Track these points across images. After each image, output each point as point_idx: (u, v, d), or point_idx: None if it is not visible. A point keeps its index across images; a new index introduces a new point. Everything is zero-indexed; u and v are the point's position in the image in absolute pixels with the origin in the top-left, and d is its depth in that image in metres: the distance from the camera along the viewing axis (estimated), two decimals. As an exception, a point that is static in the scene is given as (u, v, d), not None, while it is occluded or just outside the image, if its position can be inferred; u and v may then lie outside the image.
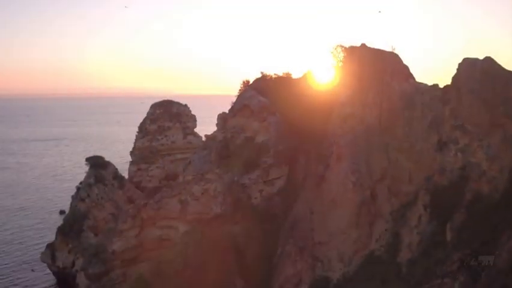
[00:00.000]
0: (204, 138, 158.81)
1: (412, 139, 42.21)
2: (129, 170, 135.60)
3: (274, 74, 55.26)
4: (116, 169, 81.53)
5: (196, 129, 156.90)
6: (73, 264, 64.89)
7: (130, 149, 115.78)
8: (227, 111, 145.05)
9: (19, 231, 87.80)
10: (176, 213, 55.51)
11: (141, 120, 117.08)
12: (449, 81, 40.23)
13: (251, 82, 55.88)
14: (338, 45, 48.57)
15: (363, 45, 45.75)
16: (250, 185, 46.37)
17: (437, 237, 37.12)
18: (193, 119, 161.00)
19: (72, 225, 66.56)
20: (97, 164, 76.20)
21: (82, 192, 70.14)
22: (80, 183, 75.70)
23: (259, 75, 55.35)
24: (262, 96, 51.21)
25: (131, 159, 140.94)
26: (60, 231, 67.39)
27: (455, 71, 39.04)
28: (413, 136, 42.25)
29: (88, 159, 77.91)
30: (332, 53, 49.88)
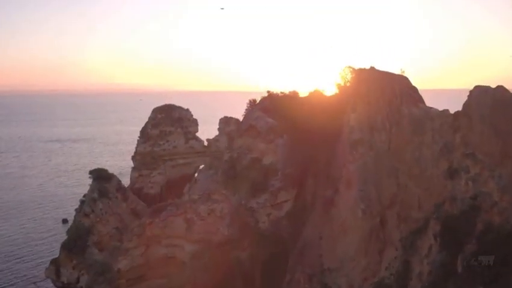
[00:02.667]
0: (205, 143, 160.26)
1: (422, 165, 42.41)
2: (131, 176, 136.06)
3: (281, 93, 55.40)
4: (120, 181, 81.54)
5: (197, 128, 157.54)
6: (78, 280, 65.06)
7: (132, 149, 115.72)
8: (227, 116, 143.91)
9: (22, 242, 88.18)
10: (182, 232, 55.92)
11: (141, 119, 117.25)
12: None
13: (258, 101, 55.94)
14: (346, 67, 48.76)
15: (372, 68, 45.87)
16: (258, 209, 46.65)
17: (448, 267, 37.37)
18: (195, 123, 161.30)
19: (76, 241, 66.67)
20: (100, 177, 76.11)
21: (85, 207, 70.15)
22: (84, 196, 75.77)
23: (266, 94, 55.43)
24: (269, 116, 51.33)
25: (133, 165, 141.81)
26: (64, 247, 67.52)
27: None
28: (423, 162, 42.44)
29: (91, 172, 77.83)
30: (340, 74, 50.11)
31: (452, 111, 42.08)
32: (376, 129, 43.67)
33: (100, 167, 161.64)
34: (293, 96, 55.03)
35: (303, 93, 55.09)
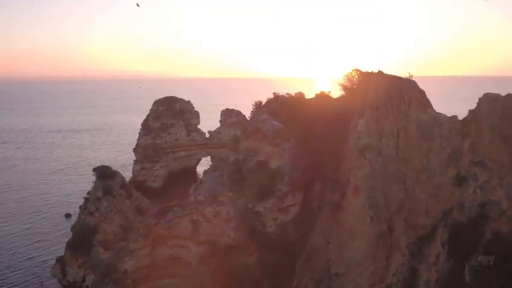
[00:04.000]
0: (207, 135, 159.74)
1: (430, 171, 42.46)
2: (133, 169, 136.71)
3: (287, 94, 55.12)
4: (123, 178, 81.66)
5: (198, 120, 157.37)
6: (84, 279, 65.59)
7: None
8: (229, 109, 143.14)
9: (26, 238, 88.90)
10: (187, 233, 56.34)
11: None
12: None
13: (263, 103, 55.74)
14: (353, 70, 48.44)
15: (380, 72, 45.67)
16: (265, 213, 46.82)
17: (455, 276, 37.66)
18: (196, 115, 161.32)
19: (81, 240, 67.03)
20: (104, 174, 76.22)
21: (90, 206, 70.42)
22: (88, 193, 75.92)
23: (272, 96, 55.19)
24: (275, 119, 51.21)
25: (134, 157, 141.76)
26: (70, 246, 67.90)
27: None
28: (430, 168, 42.48)
29: (95, 170, 77.94)
30: (346, 75, 49.81)
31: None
32: (384, 135, 43.67)
33: (102, 159, 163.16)
34: (299, 98, 54.83)
35: (306, 92, 55.05)
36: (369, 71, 47.45)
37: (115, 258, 62.03)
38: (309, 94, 54.82)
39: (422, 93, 46.06)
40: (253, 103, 56.94)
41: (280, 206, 46.96)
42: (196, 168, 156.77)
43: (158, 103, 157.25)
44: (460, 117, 42.25)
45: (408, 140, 43.89)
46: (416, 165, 43.33)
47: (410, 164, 43.63)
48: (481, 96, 40.53)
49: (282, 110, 52.53)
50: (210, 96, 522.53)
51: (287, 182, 47.12)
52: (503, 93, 38.84)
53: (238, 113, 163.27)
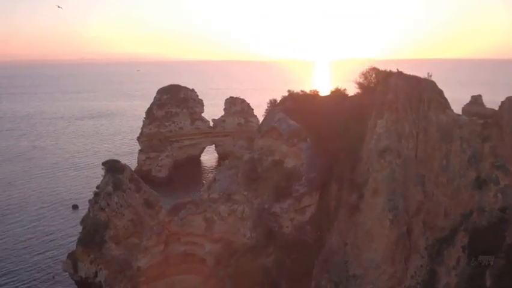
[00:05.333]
0: (211, 123, 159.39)
1: (450, 174, 42.50)
2: (138, 158, 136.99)
3: (301, 91, 54.69)
4: (132, 171, 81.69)
5: (202, 108, 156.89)
6: (96, 274, 65.96)
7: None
8: (233, 97, 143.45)
9: (36, 231, 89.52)
10: (201, 230, 56.46)
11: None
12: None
13: (278, 101, 55.34)
14: (371, 68, 47.92)
15: (399, 72, 45.29)
16: (282, 214, 46.78)
17: (476, 280, 37.84)
18: (201, 103, 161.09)
19: (93, 236, 67.23)
20: (113, 168, 76.14)
21: (101, 201, 70.51)
22: (97, 187, 75.89)
23: (286, 94, 54.75)
24: (291, 118, 50.84)
25: (139, 146, 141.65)
26: (81, 242, 68.13)
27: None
28: (450, 171, 42.49)
29: (104, 164, 77.88)
30: (363, 74, 49.36)
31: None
32: (403, 137, 43.47)
33: (107, 148, 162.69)
34: (314, 96, 54.41)
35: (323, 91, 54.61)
36: (387, 70, 47.04)
37: (128, 255, 62.33)
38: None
39: (440, 93, 45.70)
40: (268, 101, 56.51)
41: (297, 207, 46.99)
42: (200, 156, 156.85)
43: (162, 91, 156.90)
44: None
45: (428, 142, 43.78)
46: (436, 167, 43.30)
47: (430, 165, 43.59)
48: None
49: (297, 108, 52.11)
50: (210, 80, 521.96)
51: (304, 183, 47.00)
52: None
53: (243, 101, 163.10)
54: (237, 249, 47.37)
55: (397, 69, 45.82)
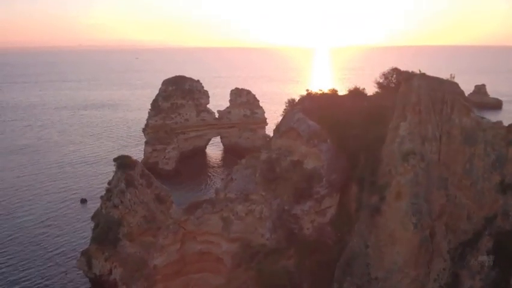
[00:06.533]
0: (216, 115, 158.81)
1: (473, 177, 42.39)
2: (144, 150, 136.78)
3: (320, 90, 54.26)
4: (143, 167, 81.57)
5: (208, 99, 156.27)
6: (110, 271, 66.21)
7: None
8: (238, 88, 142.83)
9: (45, 225, 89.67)
10: (218, 230, 56.39)
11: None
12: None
13: (296, 101, 54.93)
14: (392, 69, 47.46)
15: (422, 73, 44.86)
16: (303, 216, 46.68)
17: (501, 285, 38.11)
18: (206, 95, 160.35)
19: (107, 234, 67.35)
20: (124, 164, 76.04)
21: (114, 198, 70.53)
22: (109, 183, 75.84)
23: (305, 93, 54.33)
24: (310, 118, 50.47)
25: (145, 139, 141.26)
26: (95, 239, 68.31)
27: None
28: (474, 174, 42.36)
29: (115, 160, 77.88)
30: (384, 74, 48.91)
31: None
32: (427, 139, 43.26)
33: (113, 140, 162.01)
34: (333, 95, 54.02)
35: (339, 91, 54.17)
36: (410, 71, 46.59)
37: (143, 253, 62.47)
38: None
39: (463, 95, 45.36)
40: (286, 101, 56.08)
41: (318, 209, 47.00)
42: (205, 148, 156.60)
43: (167, 83, 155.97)
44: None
45: (451, 145, 43.60)
46: (459, 171, 43.17)
47: (453, 169, 43.48)
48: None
49: (316, 109, 51.74)
50: (212, 68, 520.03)
51: (325, 185, 46.83)
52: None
53: (248, 92, 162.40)
54: (257, 250, 47.33)
55: (419, 70, 45.42)
